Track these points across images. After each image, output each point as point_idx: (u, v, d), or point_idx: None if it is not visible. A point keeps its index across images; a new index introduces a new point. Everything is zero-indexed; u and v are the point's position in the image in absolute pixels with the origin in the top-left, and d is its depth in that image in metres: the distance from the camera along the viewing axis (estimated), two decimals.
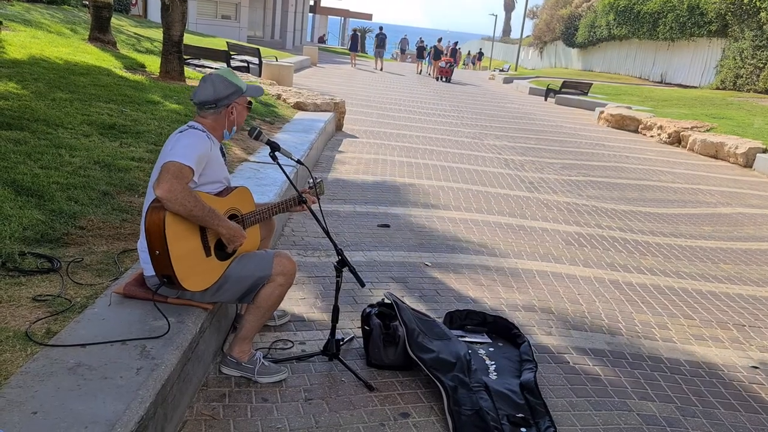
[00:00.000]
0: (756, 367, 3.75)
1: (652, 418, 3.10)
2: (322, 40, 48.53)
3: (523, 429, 2.80)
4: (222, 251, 2.83)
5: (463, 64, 44.99)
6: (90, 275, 3.10)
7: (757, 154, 11.08)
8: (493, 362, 3.40)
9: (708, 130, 13.17)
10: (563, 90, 21.15)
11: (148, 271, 2.76)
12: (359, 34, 37.71)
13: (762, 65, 22.53)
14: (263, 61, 15.35)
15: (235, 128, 2.96)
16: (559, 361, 3.56)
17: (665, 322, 4.25)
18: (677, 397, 3.33)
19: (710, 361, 3.78)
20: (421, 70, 31.55)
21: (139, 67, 10.10)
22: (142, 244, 2.75)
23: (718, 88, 24.44)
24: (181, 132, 2.78)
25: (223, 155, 3.09)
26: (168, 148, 2.71)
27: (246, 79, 12.25)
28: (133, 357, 2.39)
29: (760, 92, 22.21)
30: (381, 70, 29.29)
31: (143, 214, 2.66)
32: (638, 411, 3.15)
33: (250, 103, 3.00)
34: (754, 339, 4.14)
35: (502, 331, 3.72)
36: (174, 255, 2.56)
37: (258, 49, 16.24)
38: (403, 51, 45.99)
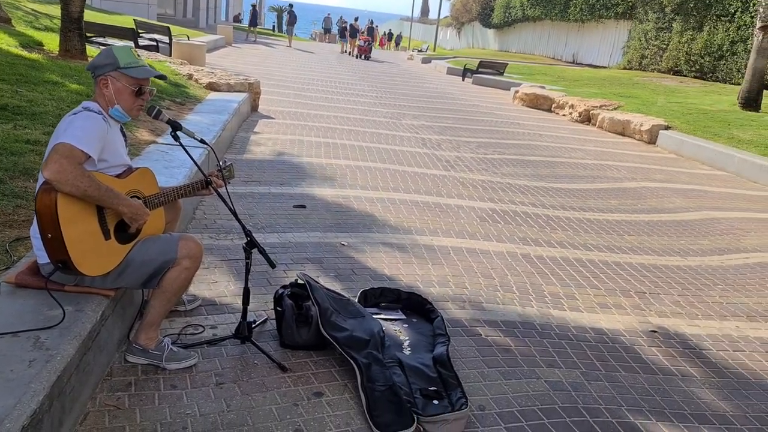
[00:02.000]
0: (654, 332, 3.96)
1: (559, 384, 3.22)
2: (237, 19, 47.22)
3: (435, 401, 2.85)
4: (123, 234, 2.71)
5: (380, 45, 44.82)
6: None
7: (660, 131, 11.65)
8: (407, 338, 3.43)
9: (615, 109, 13.75)
10: (480, 70, 21.52)
11: (42, 258, 2.61)
12: (258, 9, 36.93)
13: (665, 46, 23.65)
14: (174, 40, 14.79)
15: (118, 108, 2.72)
16: (471, 334, 3.63)
17: (573, 293, 4.42)
18: (582, 363, 3.47)
19: (613, 327, 3.96)
20: (344, 50, 31.81)
21: (37, 45, 9.50)
22: (34, 229, 2.60)
23: (625, 68, 25.52)
24: (75, 114, 2.63)
25: (124, 137, 2.95)
26: (61, 129, 2.56)
27: (154, 59, 11.77)
28: (25, 349, 2.26)
29: (663, 72, 23.34)
30: (290, 46, 29.75)
31: (35, 197, 2.51)
32: (546, 378, 3.26)
33: (139, 89, 2.74)
34: (654, 305, 4.37)
35: (416, 307, 3.76)
36: (69, 238, 2.43)
37: (168, 27, 15.62)
38: (327, 30, 45.16)
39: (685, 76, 22.12)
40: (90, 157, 2.49)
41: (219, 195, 3.04)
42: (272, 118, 9.81)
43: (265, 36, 36.49)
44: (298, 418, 2.69)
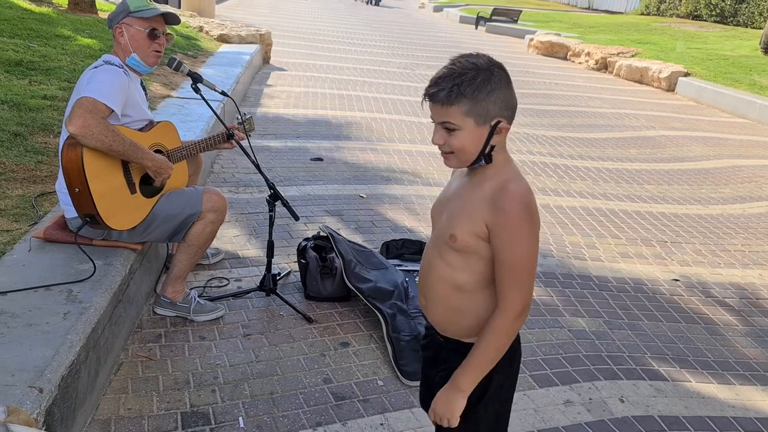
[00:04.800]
0: (677, 280, 3.96)
1: (582, 332, 3.24)
2: None
3: None
4: (148, 188, 2.71)
5: None
6: (6, 221, 2.92)
7: (679, 78, 11.41)
8: None
9: (633, 56, 13.45)
10: (493, 18, 21.06)
11: (70, 212, 2.63)
12: None
13: None
14: None
15: (135, 56, 2.68)
16: None
17: (594, 242, 4.40)
18: (605, 311, 3.48)
19: (635, 276, 3.96)
20: None
21: None
22: (60, 184, 2.61)
23: (642, 14, 24.87)
24: (95, 68, 2.61)
25: (144, 91, 2.93)
26: (83, 83, 2.54)
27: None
28: (59, 302, 2.29)
29: (682, 17, 22.73)
30: None
31: (59, 153, 2.50)
32: (569, 327, 3.28)
33: (153, 30, 2.70)
34: (675, 254, 4.35)
35: None
36: (96, 192, 2.44)
37: None
38: None
39: (704, 20, 21.53)
40: (113, 111, 2.48)
41: (242, 148, 3.03)
42: (285, 70, 9.69)
43: None
44: (326, 368, 2.73)
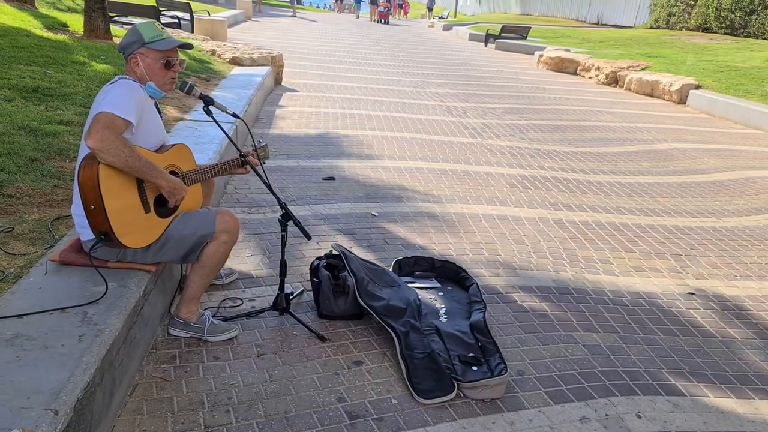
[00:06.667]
0: (692, 294, 3.92)
1: (597, 348, 3.22)
2: None
3: (474, 367, 2.87)
4: (162, 208, 2.74)
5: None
6: (22, 244, 2.97)
7: (690, 91, 11.38)
8: (443, 306, 3.44)
9: (643, 69, 13.44)
10: (503, 35, 21.18)
11: (85, 235, 2.66)
12: None
13: (693, 2, 22.97)
14: (195, 17, 14.78)
15: (152, 84, 2.74)
16: (507, 301, 3.63)
17: (607, 257, 4.38)
18: (620, 326, 3.45)
19: (650, 290, 3.93)
20: (358, 16, 36.50)
21: (61, 27, 9.57)
22: (76, 208, 2.65)
23: (652, 27, 24.88)
24: (112, 83, 2.66)
25: (159, 113, 2.97)
26: (100, 98, 2.59)
27: (177, 35, 11.78)
28: (74, 324, 2.32)
29: (691, 29, 22.71)
30: (295, 16, 30.75)
31: (75, 173, 2.54)
32: (584, 342, 3.26)
33: (167, 61, 2.75)
34: (690, 267, 4.32)
35: (450, 275, 3.77)
36: (110, 209, 2.47)
37: (189, 3, 15.59)
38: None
39: (714, 32, 21.50)
40: (130, 123, 2.51)
41: (255, 172, 3.06)
42: (296, 90, 9.79)
43: (272, 7, 36.26)
44: (340, 387, 2.73)
